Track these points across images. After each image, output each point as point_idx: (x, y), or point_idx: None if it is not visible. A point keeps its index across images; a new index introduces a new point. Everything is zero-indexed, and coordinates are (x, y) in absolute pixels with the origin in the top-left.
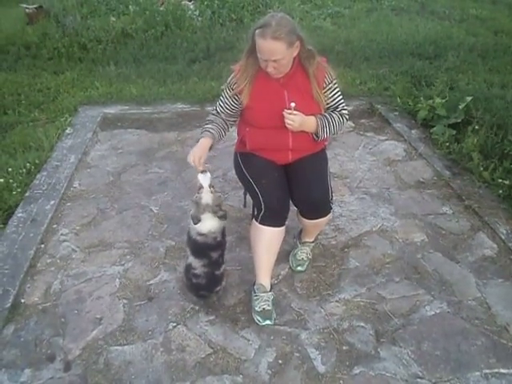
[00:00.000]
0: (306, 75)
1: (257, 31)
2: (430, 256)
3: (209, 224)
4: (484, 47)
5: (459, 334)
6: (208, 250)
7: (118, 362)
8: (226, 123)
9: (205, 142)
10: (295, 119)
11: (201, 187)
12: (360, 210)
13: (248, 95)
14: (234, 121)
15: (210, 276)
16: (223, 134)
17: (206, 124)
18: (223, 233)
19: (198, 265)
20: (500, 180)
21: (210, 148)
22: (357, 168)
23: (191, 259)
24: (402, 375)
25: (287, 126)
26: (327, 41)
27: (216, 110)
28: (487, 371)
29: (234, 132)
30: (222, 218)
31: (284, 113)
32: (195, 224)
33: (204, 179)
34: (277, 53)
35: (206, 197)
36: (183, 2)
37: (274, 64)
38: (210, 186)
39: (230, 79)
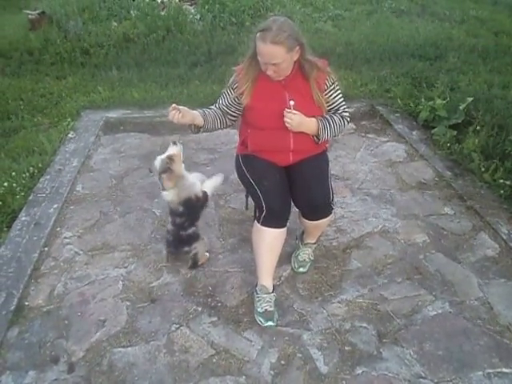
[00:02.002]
0: (307, 78)
1: (258, 34)
2: (431, 256)
3: (168, 194)
4: (484, 48)
5: (461, 334)
6: (172, 214)
7: (122, 364)
8: (224, 117)
9: (193, 111)
10: (294, 118)
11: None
12: (362, 211)
13: (249, 96)
14: (231, 120)
15: (176, 235)
16: (216, 124)
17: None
18: (187, 205)
19: (169, 222)
20: (501, 180)
21: (196, 127)
22: (358, 169)
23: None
24: (405, 375)
25: (286, 124)
26: (328, 43)
27: (215, 107)
28: (490, 371)
29: (235, 135)
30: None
31: (284, 111)
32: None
33: (169, 149)
34: (276, 57)
35: (157, 161)
36: (184, 7)
37: (273, 67)
38: (169, 156)
39: (231, 80)
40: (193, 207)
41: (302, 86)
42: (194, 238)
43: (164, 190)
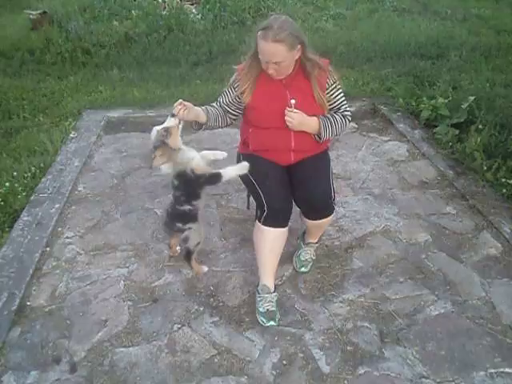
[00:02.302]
0: (308, 77)
1: (259, 33)
2: (434, 256)
3: (163, 167)
4: (487, 47)
5: (464, 334)
6: (171, 187)
7: (124, 364)
8: (225, 116)
9: (197, 107)
10: (294, 117)
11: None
12: (363, 210)
13: (250, 95)
14: (232, 119)
15: (172, 208)
16: (218, 122)
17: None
18: (181, 180)
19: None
20: (504, 179)
21: (198, 124)
22: (360, 169)
23: None
24: (407, 375)
25: (287, 123)
26: (329, 42)
27: (217, 104)
28: (492, 371)
29: (236, 134)
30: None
31: (285, 111)
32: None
33: (167, 121)
34: (277, 55)
35: (153, 132)
36: (185, 6)
37: (274, 66)
38: (164, 128)
39: (232, 79)
40: (188, 182)
41: (303, 85)
42: (189, 217)
43: (152, 166)
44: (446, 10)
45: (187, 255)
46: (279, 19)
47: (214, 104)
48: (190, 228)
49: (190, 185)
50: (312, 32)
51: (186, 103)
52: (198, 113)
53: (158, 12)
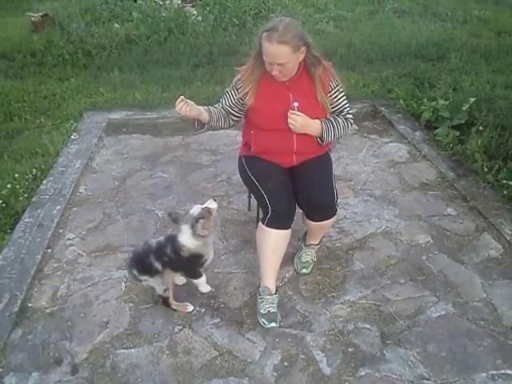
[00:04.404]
0: (312, 79)
1: (264, 34)
2: (434, 257)
3: (184, 237)
4: (487, 48)
5: (465, 336)
6: (168, 242)
7: (125, 365)
8: (228, 117)
9: (199, 106)
10: (297, 119)
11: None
12: (364, 212)
13: (253, 97)
14: (234, 120)
15: (146, 251)
16: (220, 122)
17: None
18: (192, 256)
19: (155, 240)
20: (504, 181)
21: (200, 123)
22: (361, 170)
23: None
24: (408, 377)
25: (289, 126)
26: (330, 44)
27: (219, 105)
28: (494, 372)
29: (237, 136)
30: (197, 239)
31: (288, 113)
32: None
33: (209, 203)
34: (282, 57)
35: (195, 209)
36: (186, 8)
37: (279, 67)
38: (208, 208)
39: (235, 80)
40: (193, 264)
41: (307, 87)
42: (150, 272)
43: (174, 220)
44: (447, 12)
45: (164, 302)
46: (284, 21)
47: (217, 105)
48: (146, 280)
49: (193, 267)
50: (313, 34)
51: (187, 100)
52: (201, 111)
53: (158, 14)
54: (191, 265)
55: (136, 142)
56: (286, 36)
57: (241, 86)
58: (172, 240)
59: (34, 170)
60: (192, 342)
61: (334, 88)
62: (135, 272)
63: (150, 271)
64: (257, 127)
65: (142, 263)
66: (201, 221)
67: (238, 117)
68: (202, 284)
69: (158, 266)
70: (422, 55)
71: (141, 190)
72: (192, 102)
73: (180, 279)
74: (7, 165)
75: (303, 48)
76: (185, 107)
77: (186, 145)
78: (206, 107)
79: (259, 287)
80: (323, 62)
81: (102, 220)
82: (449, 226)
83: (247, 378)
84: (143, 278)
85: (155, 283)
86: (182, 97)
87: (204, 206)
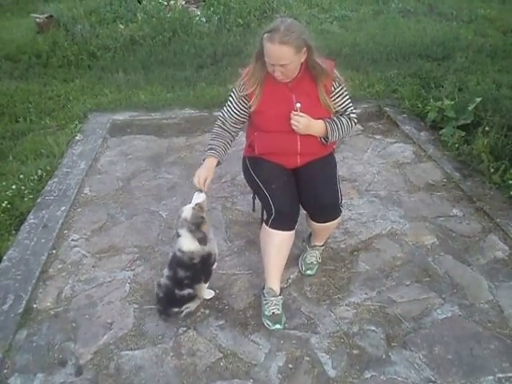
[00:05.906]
0: (314, 80)
1: (265, 35)
2: (440, 259)
3: (187, 243)
4: (493, 47)
5: (471, 338)
6: (177, 265)
7: (129, 367)
8: (232, 134)
9: (210, 162)
10: (300, 120)
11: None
12: (369, 213)
13: (257, 99)
14: (240, 129)
15: (169, 292)
16: (229, 148)
17: (211, 140)
18: (204, 259)
19: (164, 275)
20: (511, 181)
21: (217, 164)
22: (366, 171)
23: (165, 269)
24: (414, 379)
25: (292, 127)
26: (334, 44)
27: (222, 115)
28: (500, 375)
29: (242, 137)
30: (201, 241)
31: (291, 114)
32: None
33: (196, 197)
34: (284, 58)
35: (187, 212)
36: (190, 9)
37: (281, 69)
38: (198, 205)
39: (238, 82)
40: (208, 265)
41: (309, 88)
42: (188, 299)
43: (178, 235)
44: (452, 11)
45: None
46: (286, 22)
47: (218, 130)
48: (188, 307)
49: (207, 268)
50: (317, 34)
51: (202, 175)
52: (214, 165)
53: (162, 15)
54: (207, 266)
55: (140, 143)
56: (288, 37)
57: (243, 87)
58: (176, 262)
59: (39, 171)
60: (196, 344)
61: (337, 88)
62: (176, 309)
63: (186, 299)
64: (260, 129)
65: (173, 303)
66: (194, 225)
67: (241, 124)
68: (205, 290)
69: (186, 292)
70: (427, 55)
71: (145, 190)
72: (206, 174)
73: (208, 292)
74: (12, 166)
75: (305, 49)
76: (207, 184)
77: (191, 146)
78: (213, 151)
79: (263, 289)
80: (324, 62)
81: (107, 221)
82: (455, 227)
83: (252, 380)
84: (184, 307)
85: (198, 301)
86: (196, 177)
87: (193, 203)
